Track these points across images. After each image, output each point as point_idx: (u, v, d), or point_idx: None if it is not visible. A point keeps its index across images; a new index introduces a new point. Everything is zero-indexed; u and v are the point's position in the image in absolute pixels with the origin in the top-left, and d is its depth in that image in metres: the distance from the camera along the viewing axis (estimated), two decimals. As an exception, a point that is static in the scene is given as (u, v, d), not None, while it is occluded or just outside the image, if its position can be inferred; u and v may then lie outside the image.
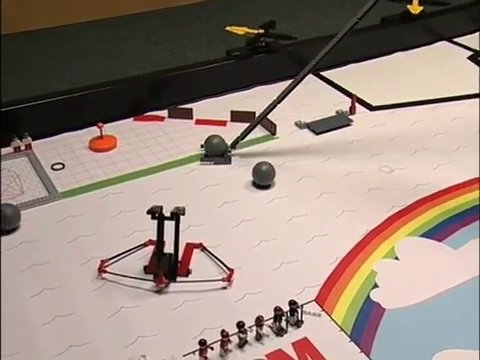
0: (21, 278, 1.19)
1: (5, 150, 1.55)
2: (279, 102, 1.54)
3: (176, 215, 1.15)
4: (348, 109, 1.75)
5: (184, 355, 1.02)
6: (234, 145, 1.56)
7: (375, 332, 1.06)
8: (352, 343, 1.05)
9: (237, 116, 1.71)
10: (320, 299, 1.14)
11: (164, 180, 1.48)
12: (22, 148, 1.55)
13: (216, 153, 1.54)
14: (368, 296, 1.14)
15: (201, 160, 1.53)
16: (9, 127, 1.56)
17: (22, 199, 1.39)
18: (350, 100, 1.77)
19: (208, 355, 1.02)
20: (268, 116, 1.67)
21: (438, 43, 2.21)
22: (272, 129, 1.66)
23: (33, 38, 2.36)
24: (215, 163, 1.52)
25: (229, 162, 1.54)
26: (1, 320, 1.09)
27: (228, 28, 1.90)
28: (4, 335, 1.06)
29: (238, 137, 1.56)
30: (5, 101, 1.65)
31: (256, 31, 1.89)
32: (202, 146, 1.56)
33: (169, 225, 1.17)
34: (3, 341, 1.05)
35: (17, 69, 2.13)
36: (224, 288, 1.17)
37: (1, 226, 1.28)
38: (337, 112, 1.75)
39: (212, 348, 1.02)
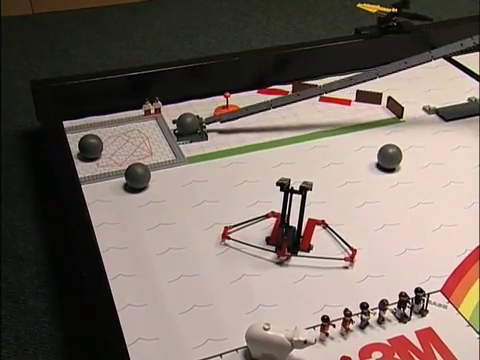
0: (149, 235, 1.23)
1: (136, 112, 1.61)
2: (273, 107, 1.54)
3: (304, 189, 1.15)
4: (482, 97, 1.67)
5: (305, 328, 1.01)
6: (210, 121, 1.53)
7: (507, 332, 1.01)
8: (481, 340, 1.01)
9: (363, 96, 1.67)
10: (446, 290, 1.10)
11: (287, 154, 1.47)
12: (152, 112, 1.60)
13: (189, 131, 1.51)
14: (499, 294, 1.09)
15: (177, 140, 1.50)
16: (140, 91, 1.61)
17: (151, 160, 1.44)
18: (484, 88, 1.68)
19: (329, 331, 1.02)
20: (395, 98, 1.63)
21: None
22: (399, 112, 1.61)
23: (163, 5, 2.43)
24: (191, 141, 1.49)
25: (206, 138, 1.51)
26: (130, 273, 1.14)
27: (359, 5, 1.85)
28: (133, 287, 1.12)
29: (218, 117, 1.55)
30: (138, 66, 1.72)
31: (389, 10, 1.82)
32: (174, 123, 1.54)
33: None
34: (133, 292, 1.10)
35: (147, 36, 2.20)
36: (345, 267, 1.16)
37: (133, 184, 1.33)
38: (469, 99, 1.67)
39: (334, 325, 1.01)
